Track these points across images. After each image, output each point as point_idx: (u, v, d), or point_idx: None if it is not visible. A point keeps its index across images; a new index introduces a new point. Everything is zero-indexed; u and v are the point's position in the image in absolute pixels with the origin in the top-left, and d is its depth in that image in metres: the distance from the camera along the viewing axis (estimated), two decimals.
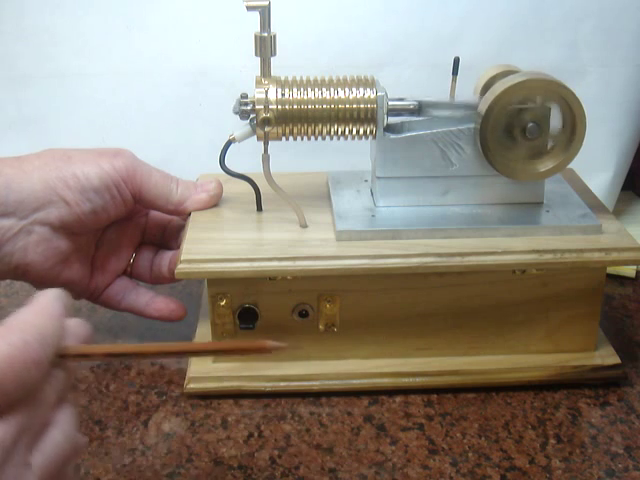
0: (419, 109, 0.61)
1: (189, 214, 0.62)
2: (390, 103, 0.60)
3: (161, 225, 0.66)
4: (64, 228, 0.58)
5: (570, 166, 0.62)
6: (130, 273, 0.66)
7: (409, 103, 0.61)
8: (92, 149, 0.60)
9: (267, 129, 0.58)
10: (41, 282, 0.60)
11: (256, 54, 0.58)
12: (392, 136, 0.60)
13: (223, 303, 0.59)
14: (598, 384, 0.61)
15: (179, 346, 0.45)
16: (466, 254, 0.57)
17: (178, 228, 0.65)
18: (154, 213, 0.65)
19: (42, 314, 0.38)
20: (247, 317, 0.59)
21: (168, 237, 0.66)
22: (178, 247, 0.62)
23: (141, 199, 0.61)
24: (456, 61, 0.61)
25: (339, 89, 0.59)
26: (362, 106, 0.59)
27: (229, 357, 0.58)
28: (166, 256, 0.65)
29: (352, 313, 0.59)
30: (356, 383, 0.60)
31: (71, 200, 0.57)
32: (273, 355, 0.59)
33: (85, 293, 0.63)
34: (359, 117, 0.59)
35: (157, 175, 0.61)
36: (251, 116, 0.59)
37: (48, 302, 0.39)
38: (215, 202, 0.64)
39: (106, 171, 0.58)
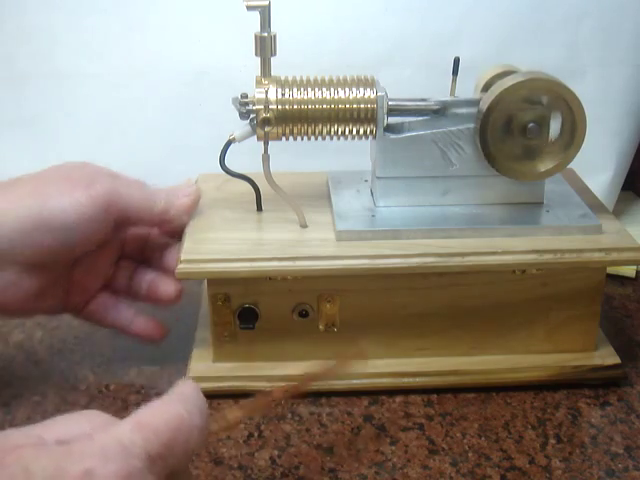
0: (442, 110, 0.60)
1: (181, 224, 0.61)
2: (406, 103, 0.60)
3: (141, 239, 0.63)
4: (38, 266, 0.55)
5: (570, 166, 0.62)
6: (111, 288, 0.62)
7: (431, 103, 0.60)
8: (68, 173, 0.56)
9: (267, 129, 0.58)
10: (12, 315, 0.59)
11: (256, 54, 0.58)
12: (392, 136, 0.60)
13: (223, 303, 0.59)
14: (598, 384, 0.61)
15: (291, 386, 0.50)
16: (466, 254, 0.57)
17: (159, 243, 0.63)
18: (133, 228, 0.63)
19: (195, 392, 0.42)
20: (247, 317, 0.59)
21: (149, 252, 0.63)
22: (161, 266, 0.61)
23: (125, 220, 0.58)
24: (456, 61, 0.61)
25: (339, 89, 0.59)
26: (362, 106, 0.59)
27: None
28: (146, 276, 0.62)
29: (352, 313, 0.59)
30: (356, 383, 0.60)
31: (47, 239, 0.54)
32: (272, 354, 0.60)
33: (63, 311, 0.61)
34: (359, 117, 0.59)
35: (138, 191, 0.58)
36: (251, 116, 0.59)
37: (193, 388, 0.43)
38: (196, 202, 0.62)
39: (84, 205, 0.54)
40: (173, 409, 0.40)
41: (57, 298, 0.59)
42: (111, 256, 0.62)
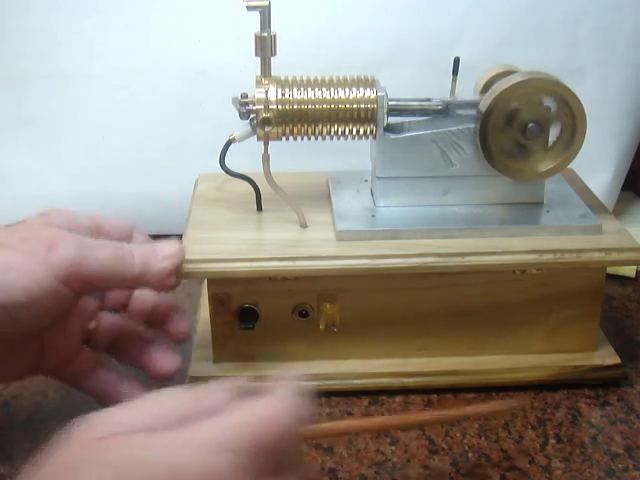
0: (445, 109, 0.60)
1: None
2: (412, 103, 0.60)
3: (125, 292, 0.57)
4: None
5: (570, 166, 0.62)
6: (92, 347, 0.56)
7: (436, 103, 0.60)
8: (26, 236, 0.49)
9: (267, 129, 0.58)
10: None
11: (256, 54, 0.58)
12: (392, 136, 0.60)
13: (223, 303, 0.59)
14: (598, 384, 0.61)
15: (411, 418, 0.51)
16: (466, 254, 0.57)
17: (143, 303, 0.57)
18: None
19: (291, 392, 0.41)
20: (247, 317, 0.59)
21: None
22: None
23: (91, 289, 0.52)
24: (456, 61, 0.61)
25: (339, 89, 0.59)
26: (362, 106, 0.59)
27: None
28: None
29: (352, 313, 0.59)
30: (356, 383, 0.60)
31: None
32: (272, 354, 0.60)
33: (37, 373, 0.54)
34: (359, 117, 0.59)
35: (107, 255, 0.50)
36: (251, 116, 0.59)
37: (289, 387, 0.42)
38: (180, 264, 0.54)
39: (40, 284, 0.47)
40: (268, 408, 0.40)
41: (27, 363, 0.53)
42: (87, 312, 0.55)
